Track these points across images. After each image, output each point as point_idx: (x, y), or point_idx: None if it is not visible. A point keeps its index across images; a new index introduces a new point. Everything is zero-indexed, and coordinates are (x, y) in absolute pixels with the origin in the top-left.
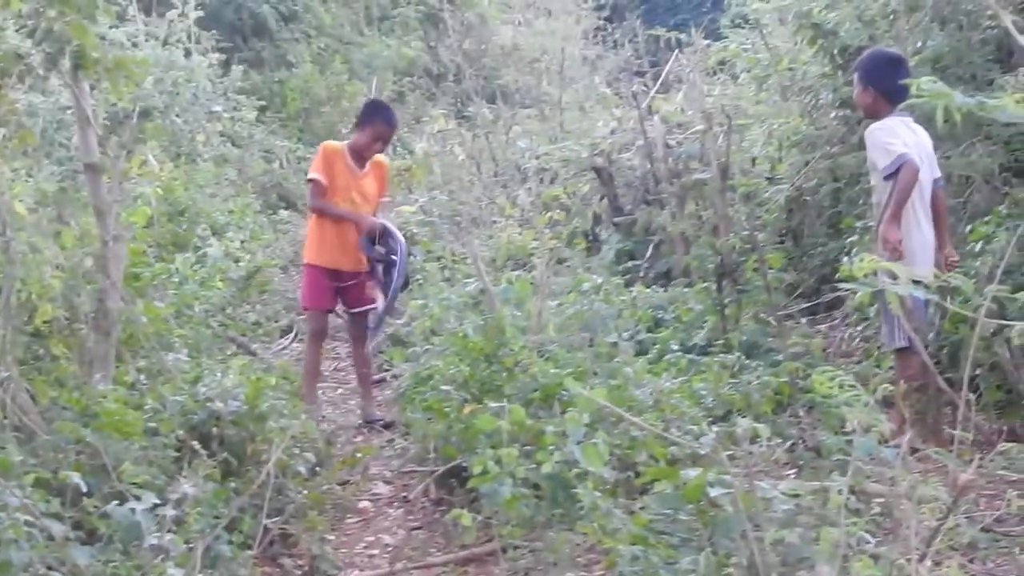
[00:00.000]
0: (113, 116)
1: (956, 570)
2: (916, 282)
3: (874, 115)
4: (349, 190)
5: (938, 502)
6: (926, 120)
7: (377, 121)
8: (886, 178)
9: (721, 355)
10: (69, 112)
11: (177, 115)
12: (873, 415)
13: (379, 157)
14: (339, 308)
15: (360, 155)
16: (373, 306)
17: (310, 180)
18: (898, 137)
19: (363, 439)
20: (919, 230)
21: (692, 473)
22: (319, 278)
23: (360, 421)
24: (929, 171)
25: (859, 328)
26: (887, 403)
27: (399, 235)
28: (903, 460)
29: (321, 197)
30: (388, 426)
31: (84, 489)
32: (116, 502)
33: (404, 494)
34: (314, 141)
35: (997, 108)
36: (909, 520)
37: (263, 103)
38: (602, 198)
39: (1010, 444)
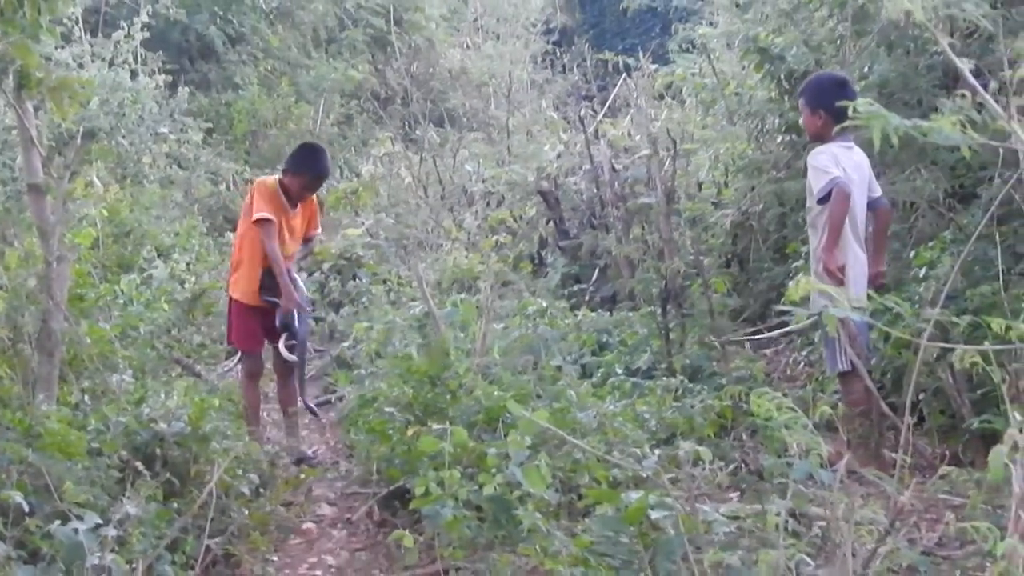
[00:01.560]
0: (58, 137)
1: None
2: (855, 307)
3: (821, 138)
4: (281, 230)
5: (876, 525)
6: (867, 144)
7: (306, 172)
8: (819, 201)
9: (665, 379)
10: (13, 132)
11: (123, 136)
12: (813, 438)
13: None
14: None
15: (290, 196)
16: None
17: (261, 220)
18: (838, 163)
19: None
20: (852, 253)
21: (634, 495)
22: (248, 318)
23: (291, 459)
24: (865, 193)
25: (803, 353)
26: (831, 428)
27: (306, 312)
28: (841, 483)
29: (274, 238)
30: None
31: (27, 509)
32: (59, 522)
33: (348, 515)
34: (261, 163)
35: (933, 130)
36: (847, 543)
37: (209, 125)
38: (548, 221)
39: (951, 468)
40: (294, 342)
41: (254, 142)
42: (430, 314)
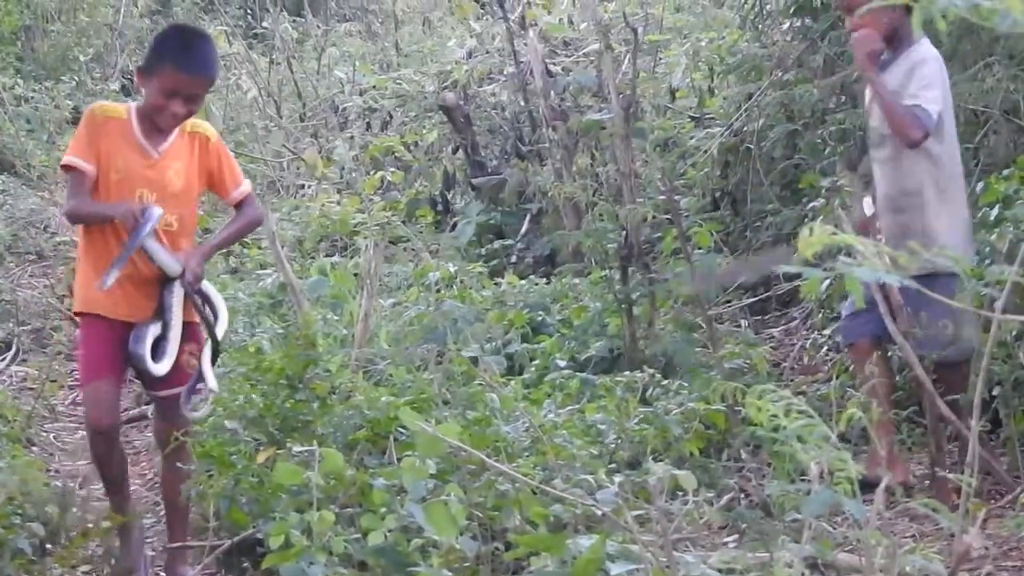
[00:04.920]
0: None
1: None
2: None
3: (896, 39)
4: (133, 183)
5: None
6: None
7: (164, 65)
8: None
9: (628, 373)
10: None
11: None
12: (836, 453)
13: (200, 126)
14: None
15: (154, 124)
16: (203, 385)
17: (64, 167)
18: (946, 91)
19: None
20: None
21: (585, 543)
22: (97, 334)
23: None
24: None
25: (827, 332)
26: (867, 440)
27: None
28: (881, 518)
29: (82, 195)
30: None
31: None
32: None
33: None
34: (39, 75)
35: (995, 13)
36: None
37: None
38: (455, 150)
39: None
40: (201, 384)
41: (28, 42)
42: (287, 286)
